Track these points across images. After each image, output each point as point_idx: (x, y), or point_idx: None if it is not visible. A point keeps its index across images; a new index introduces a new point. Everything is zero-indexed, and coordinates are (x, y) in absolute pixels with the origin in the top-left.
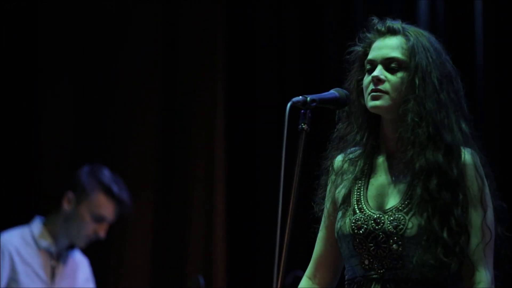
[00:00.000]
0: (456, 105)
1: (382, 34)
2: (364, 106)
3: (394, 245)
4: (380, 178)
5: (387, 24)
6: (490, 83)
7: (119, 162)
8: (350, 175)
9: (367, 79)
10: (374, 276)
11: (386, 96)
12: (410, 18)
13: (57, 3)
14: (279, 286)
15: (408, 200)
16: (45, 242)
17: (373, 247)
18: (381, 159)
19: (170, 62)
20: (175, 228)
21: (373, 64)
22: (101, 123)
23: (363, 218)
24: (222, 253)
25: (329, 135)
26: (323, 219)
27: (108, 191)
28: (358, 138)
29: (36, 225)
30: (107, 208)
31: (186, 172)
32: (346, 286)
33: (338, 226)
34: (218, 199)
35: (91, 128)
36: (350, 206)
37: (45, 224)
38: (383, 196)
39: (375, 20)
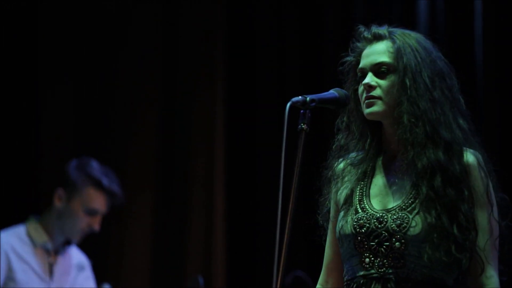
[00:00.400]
0: (452, 102)
1: (369, 41)
2: (363, 114)
3: (397, 243)
4: (383, 178)
5: (373, 31)
6: (490, 83)
7: (119, 162)
8: (352, 177)
9: (360, 88)
10: (375, 275)
11: (380, 102)
12: (410, 18)
13: (57, 3)
14: (278, 286)
15: (412, 200)
16: (41, 240)
17: (374, 246)
18: (384, 161)
19: (170, 62)
20: (174, 228)
21: (364, 72)
22: (101, 123)
23: (366, 217)
24: (222, 253)
25: (328, 134)
26: (329, 225)
27: (98, 184)
28: (360, 145)
29: (31, 224)
30: (98, 201)
31: (186, 172)
32: (345, 287)
33: (340, 225)
34: (218, 199)
35: (91, 128)
36: (352, 206)
37: (40, 222)
38: (386, 195)
39: (362, 28)
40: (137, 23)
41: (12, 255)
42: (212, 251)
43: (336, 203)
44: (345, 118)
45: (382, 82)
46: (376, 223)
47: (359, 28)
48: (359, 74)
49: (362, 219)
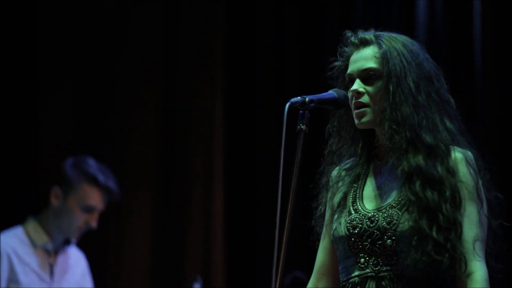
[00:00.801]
0: (439, 104)
1: (356, 46)
2: (353, 119)
3: (388, 241)
4: (375, 180)
5: (359, 36)
6: (489, 83)
7: (119, 162)
8: (346, 181)
9: (349, 93)
10: (370, 274)
11: (369, 110)
12: (409, 18)
13: (57, 3)
14: (277, 286)
15: (401, 197)
16: (41, 241)
17: (368, 245)
18: (376, 164)
19: (169, 62)
20: (174, 228)
21: (352, 78)
22: (100, 123)
23: (358, 218)
24: (221, 253)
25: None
26: (323, 230)
27: (93, 181)
28: (352, 149)
29: (30, 224)
30: (94, 198)
31: (186, 172)
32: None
33: (334, 227)
34: (217, 199)
35: (90, 128)
36: (345, 208)
37: (39, 222)
38: (378, 196)
39: (349, 33)
40: (137, 23)
41: (13, 257)
42: (211, 251)
43: (332, 208)
44: (335, 123)
45: (369, 89)
46: (368, 222)
47: (346, 33)
48: (347, 79)
49: (355, 220)
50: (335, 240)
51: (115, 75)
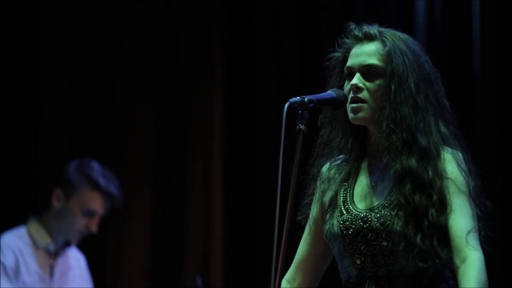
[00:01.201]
0: (435, 108)
1: (359, 40)
2: (346, 112)
3: (383, 242)
4: (367, 179)
5: (364, 30)
6: (488, 83)
7: (118, 162)
8: (337, 179)
9: (347, 86)
10: (368, 275)
11: (366, 106)
12: (408, 18)
13: (57, 3)
14: (276, 286)
15: (393, 197)
16: (44, 241)
17: (363, 246)
18: (366, 162)
19: (169, 62)
20: (173, 228)
21: (352, 71)
22: (100, 123)
23: (351, 218)
24: (220, 254)
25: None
26: (307, 224)
27: (95, 185)
28: (343, 143)
29: (33, 225)
30: (96, 202)
31: (185, 172)
32: None
33: (326, 228)
34: (216, 199)
35: (90, 128)
36: (337, 208)
37: (41, 223)
38: (369, 195)
39: (352, 25)
40: (137, 23)
41: (19, 257)
42: (211, 251)
43: (322, 206)
44: (328, 114)
45: (369, 85)
46: (361, 223)
47: (349, 25)
48: (346, 72)
49: (348, 221)
50: (329, 240)
51: (115, 75)
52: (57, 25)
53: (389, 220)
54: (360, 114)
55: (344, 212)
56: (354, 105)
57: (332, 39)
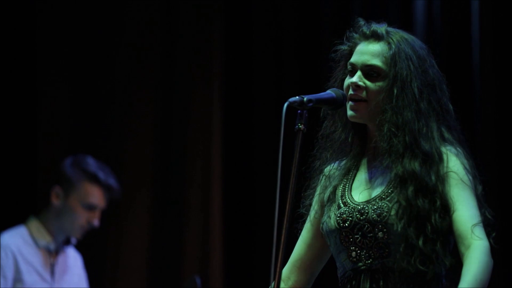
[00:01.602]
0: (439, 114)
1: (366, 37)
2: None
3: (379, 233)
4: (366, 173)
5: (372, 28)
6: (487, 83)
7: (117, 162)
8: (337, 176)
9: (347, 81)
10: (362, 267)
11: (364, 105)
12: (407, 18)
13: (55, 2)
14: (275, 286)
15: (391, 189)
16: (44, 240)
17: (359, 238)
18: (366, 158)
19: (167, 63)
20: (172, 228)
21: (354, 68)
22: (98, 123)
23: (348, 211)
24: (219, 254)
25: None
26: (306, 222)
27: (94, 179)
28: (343, 136)
29: (33, 224)
30: (96, 196)
31: (183, 173)
32: (340, 284)
33: (323, 221)
34: (215, 199)
35: (88, 128)
36: (335, 202)
37: (41, 222)
38: (367, 188)
39: (362, 21)
40: (135, 23)
41: (18, 257)
42: (209, 252)
43: (322, 204)
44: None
45: (370, 85)
46: (358, 215)
47: (359, 21)
48: (349, 67)
49: (345, 213)
50: (326, 234)
51: (113, 74)
52: (56, 25)
53: (386, 212)
54: (358, 113)
55: (342, 206)
56: (353, 103)
57: (331, 39)
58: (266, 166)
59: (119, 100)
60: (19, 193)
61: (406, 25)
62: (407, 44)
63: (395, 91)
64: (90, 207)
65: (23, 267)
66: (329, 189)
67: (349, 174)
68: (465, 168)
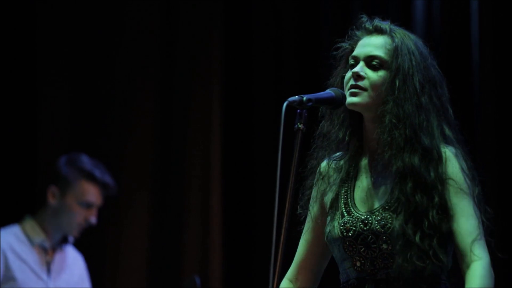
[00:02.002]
0: (439, 110)
1: (369, 32)
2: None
3: (383, 245)
4: (367, 179)
5: (375, 23)
6: (487, 83)
7: (116, 162)
8: (336, 179)
9: (348, 74)
10: (367, 277)
11: (365, 93)
12: (406, 18)
13: (55, 2)
14: (275, 286)
15: (394, 199)
16: (39, 238)
17: (363, 249)
18: (365, 161)
19: (167, 63)
20: (171, 229)
21: (356, 60)
22: (98, 123)
23: (351, 220)
24: (219, 254)
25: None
26: (307, 222)
27: (90, 177)
28: (340, 135)
29: (27, 223)
30: (92, 193)
31: (183, 174)
32: None
33: (327, 230)
34: (215, 199)
35: (88, 128)
36: (338, 210)
37: (36, 221)
38: (370, 197)
39: (364, 18)
40: (135, 23)
41: (9, 254)
42: (209, 252)
43: (322, 206)
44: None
45: (371, 75)
46: (361, 225)
47: (361, 17)
48: (351, 61)
49: (348, 223)
50: (330, 242)
51: (113, 74)
52: (56, 25)
53: (390, 223)
54: (358, 99)
55: (346, 214)
56: (352, 90)
57: (330, 38)
58: (266, 166)
59: (119, 100)
60: (19, 193)
61: (406, 25)
62: (410, 40)
63: (397, 82)
64: (87, 205)
65: (15, 264)
66: (331, 195)
67: (349, 179)
68: (463, 171)
